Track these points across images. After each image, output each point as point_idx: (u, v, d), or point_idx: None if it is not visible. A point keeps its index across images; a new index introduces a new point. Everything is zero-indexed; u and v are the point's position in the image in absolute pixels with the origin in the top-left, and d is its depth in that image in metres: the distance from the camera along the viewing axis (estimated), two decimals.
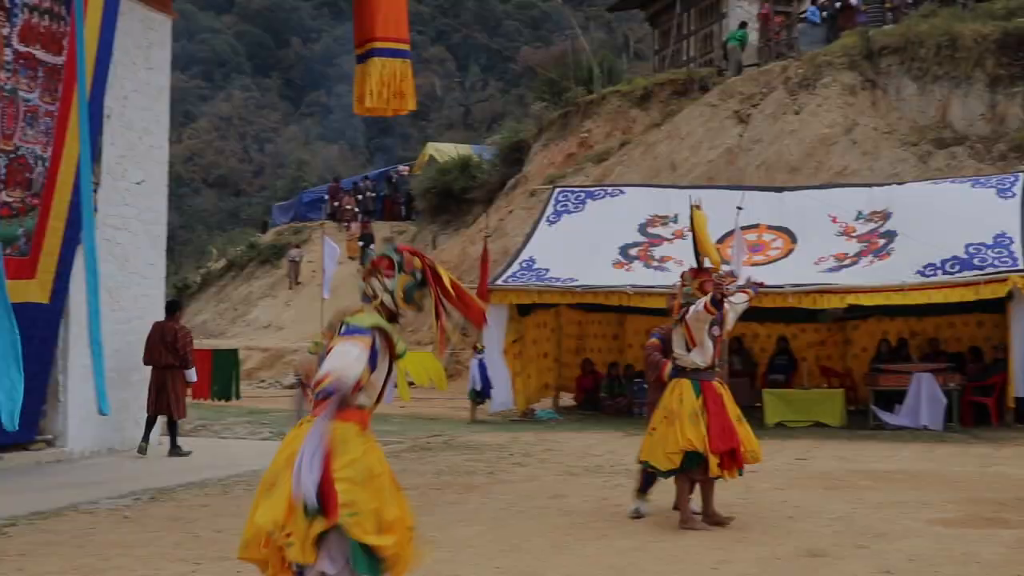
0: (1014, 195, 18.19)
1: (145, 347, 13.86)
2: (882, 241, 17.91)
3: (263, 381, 28.53)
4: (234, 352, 19.79)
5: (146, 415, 13.85)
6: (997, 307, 17.15)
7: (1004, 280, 16.12)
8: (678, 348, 8.89)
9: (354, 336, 4.74)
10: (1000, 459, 13.28)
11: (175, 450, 13.67)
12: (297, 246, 38.31)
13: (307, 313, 32.43)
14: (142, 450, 13.64)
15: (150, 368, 13.83)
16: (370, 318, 4.87)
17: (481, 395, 18.76)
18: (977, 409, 17.56)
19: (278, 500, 4.61)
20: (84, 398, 12.82)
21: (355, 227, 37.17)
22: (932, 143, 23.28)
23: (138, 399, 14.12)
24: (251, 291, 38.03)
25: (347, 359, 4.63)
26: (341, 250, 29.16)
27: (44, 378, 12.60)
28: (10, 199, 11.23)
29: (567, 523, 9.11)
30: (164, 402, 13.68)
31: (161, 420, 14.05)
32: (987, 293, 16.31)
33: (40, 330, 11.88)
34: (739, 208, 14.51)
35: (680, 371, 8.88)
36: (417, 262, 5.05)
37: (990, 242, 16.88)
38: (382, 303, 4.98)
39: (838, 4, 27.92)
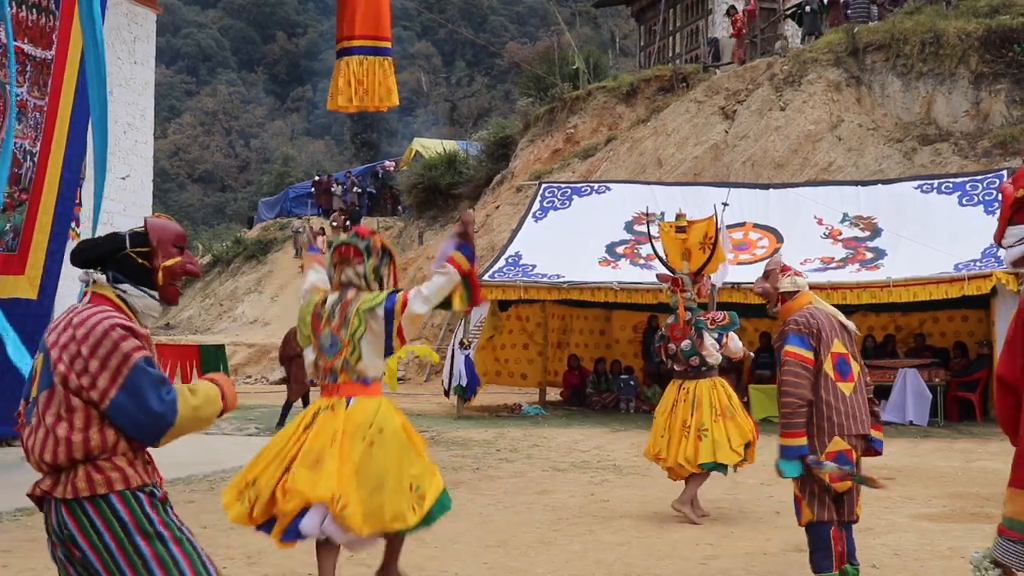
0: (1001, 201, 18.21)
1: (281, 347, 17.12)
2: (870, 255, 18.00)
3: (249, 377, 28.49)
4: (221, 347, 19.77)
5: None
6: (981, 303, 17.24)
7: (988, 276, 16.20)
8: (711, 348, 9.24)
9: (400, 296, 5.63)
10: (984, 454, 13.35)
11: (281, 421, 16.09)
12: (299, 217, 38.58)
13: (293, 309, 32.37)
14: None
15: None
16: (378, 296, 5.66)
17: (468, 390, 18.77)
18: (962, 404, 17.65)
19: (329, 474, 5.33)
20: None
21: (321, 241, 36.99)
22: (917, 139, 23.36)
23: None
24: (237, 287, 37.96)
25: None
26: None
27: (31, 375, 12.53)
28: None
29: (554, 519, 9.13)
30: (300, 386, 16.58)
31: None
32: (972, 289, 16.38)
33: (28, 326, 11.82)
34: (724, 204, 14.56)
35: (710, 369, 9.30)
36: (377, 241, 5.85)
37: (979, 256, 16.93)
38: (356, 286, 5.74)
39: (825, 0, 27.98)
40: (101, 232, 4.87)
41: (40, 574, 7.04)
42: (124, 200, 14.46)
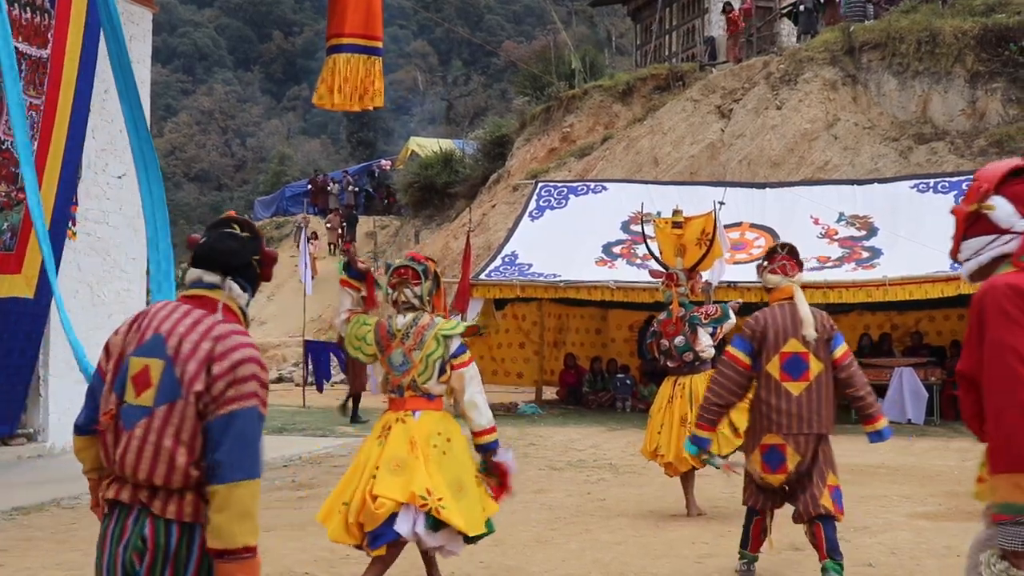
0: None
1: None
2: (866, 254, 18.01)
3: None
4: None
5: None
6: None
7: None
8: (705, 343, 9.32)
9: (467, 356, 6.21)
10: (981, 453, 13.34)
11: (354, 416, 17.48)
12: (303, 215, 38.67)
13: (289, 308, 32.40)
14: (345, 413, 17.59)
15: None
16: (458, 326, 6.19)
17: None
18: (958, 403, 17.64)
19: (417, 475, 5.81)
20: (65, 393, 12.78)
21: (315, 247, 36.70)
22: (912, 138, 23.37)
23: None
24: None
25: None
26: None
27: (27, 374, 12.52)
28: None
29: (550, 518, 9.14)
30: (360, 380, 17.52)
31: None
32: (968, 288, 16.36)
33: (25, 325, 11.82)
34: (721, 203, 14.58)
35: (703, 363, 9.34)
36: (432, 266, 6.26)
37: None
38: (412, 306, 6.16)
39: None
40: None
41: (36, 573, 7.04)
42: (120, 199, 14.41)
